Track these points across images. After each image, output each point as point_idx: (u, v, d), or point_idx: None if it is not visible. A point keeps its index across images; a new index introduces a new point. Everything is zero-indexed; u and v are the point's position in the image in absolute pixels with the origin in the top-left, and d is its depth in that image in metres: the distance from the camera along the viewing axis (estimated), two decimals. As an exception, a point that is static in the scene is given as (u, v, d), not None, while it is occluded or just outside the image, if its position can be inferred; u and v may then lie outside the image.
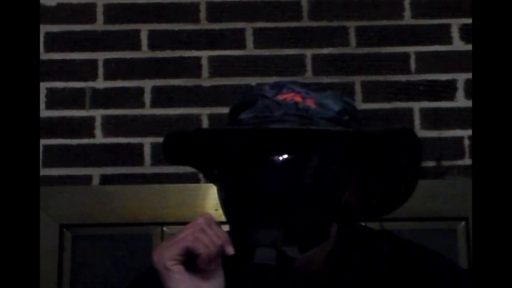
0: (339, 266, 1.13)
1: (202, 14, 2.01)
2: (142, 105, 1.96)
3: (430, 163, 1.93)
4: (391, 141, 1.10)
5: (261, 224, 1.04)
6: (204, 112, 1.95)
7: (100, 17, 2.00)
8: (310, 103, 1.10)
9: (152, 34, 1.99)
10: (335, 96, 1.13)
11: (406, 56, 1.98)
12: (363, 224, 1.23)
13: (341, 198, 1.10)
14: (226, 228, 1.10)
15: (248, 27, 2.00)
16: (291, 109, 1.08)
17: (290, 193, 1.05)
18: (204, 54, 1.98)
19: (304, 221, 1.06)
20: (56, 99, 1.96)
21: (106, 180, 1.92)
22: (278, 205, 1.05)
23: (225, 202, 1.11)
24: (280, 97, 1.10)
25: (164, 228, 1.88)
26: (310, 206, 1.06)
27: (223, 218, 1.13)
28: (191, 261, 1.04)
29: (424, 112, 1.96)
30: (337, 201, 1.10)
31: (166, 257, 1.03)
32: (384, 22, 2.00)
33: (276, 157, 1.05)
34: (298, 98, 1.10)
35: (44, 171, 1.90)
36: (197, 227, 1.04)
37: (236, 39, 1.99)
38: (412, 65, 1.98)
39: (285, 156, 1.05)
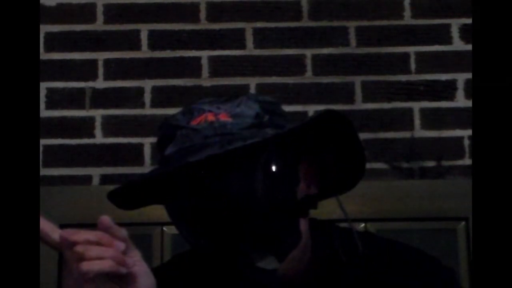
0: (323, 268, 1.12)
1: (202, 14, 2.01)
2: (142, 105, 1.96)
3: (430, 163, 1.93)
4: (319, 128, 1.09)
5: (230, 250, 1.04)
6: (204, 112, 1.95)
7: (100, 17, 2.00)
8: (225, 118, 1.09)
9: (152, 34, 1.99)
10: (248, 100, 1.11)
11: (406, 56, 1.99)
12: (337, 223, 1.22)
13: (295, 194, 1.10)
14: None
15: (248, 27, 2.00)
16: (208, 131, 1.08)
17: (244, 210, 1.04)
18: (204, 54, 1.98)
19: (268, 230, 1.06)
20: (56, 99, 1.96)
21: (106, 180, 1.92)
22: (238, 226, 1.04)
23: (187, 234, 1.11)
24: (194, 123, 1.10)
25: (164, 228, 1.88)
26: (268, 214, 1.05)
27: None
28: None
29: (424, 112, 1.96)
30: (293, 198, 1.09)
31: None
32: (384, 22, 2.00)
33: (216, 183, 1.05)
34: (211, 117, 1.09)
35: (44, 171, 1.90)
36: (77, 256, 1.00)
37: (236, 39, 1.99)
38: (412, 65, 1.98)
39: (224, 178, 1.05)
